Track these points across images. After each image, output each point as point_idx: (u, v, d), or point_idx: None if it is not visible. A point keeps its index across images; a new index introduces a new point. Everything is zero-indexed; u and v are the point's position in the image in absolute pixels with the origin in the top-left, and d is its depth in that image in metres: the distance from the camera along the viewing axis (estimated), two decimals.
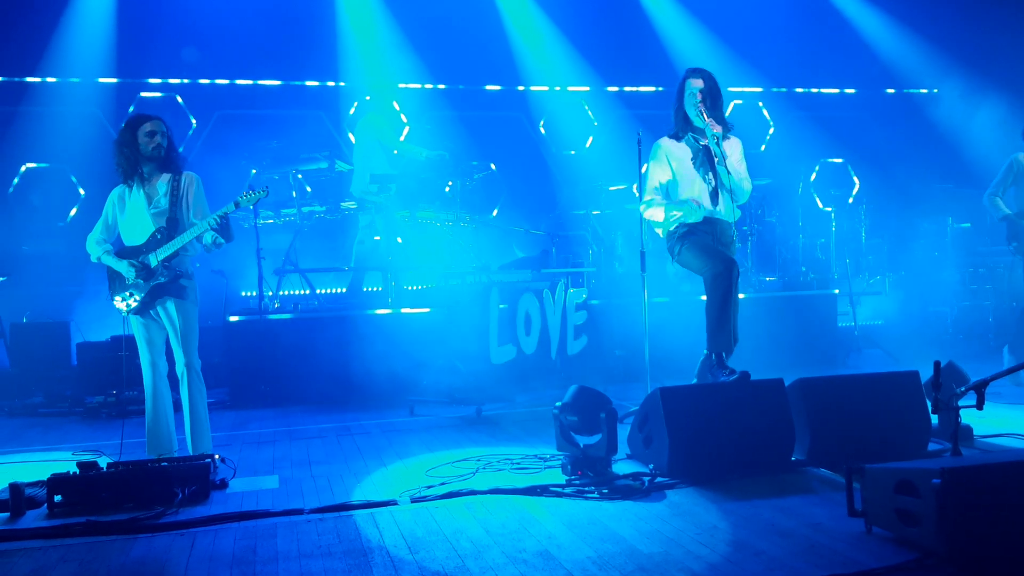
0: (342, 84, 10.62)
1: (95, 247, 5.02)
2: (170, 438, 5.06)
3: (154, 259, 4.87)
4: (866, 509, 3.40)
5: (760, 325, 8.01)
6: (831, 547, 3.25)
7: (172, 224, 4.89)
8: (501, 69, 11.00)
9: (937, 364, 4.20)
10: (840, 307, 9.08)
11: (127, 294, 4.90)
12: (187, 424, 4.99)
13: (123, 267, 4.88)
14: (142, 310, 4.92)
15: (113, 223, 5.02)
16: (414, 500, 4.06)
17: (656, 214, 5.36)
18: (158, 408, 5.02)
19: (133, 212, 4.94)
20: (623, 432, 4.73)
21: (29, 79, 9.72)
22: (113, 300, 4.96)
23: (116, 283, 4.96)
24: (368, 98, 9.67)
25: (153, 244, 4.89)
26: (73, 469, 4.25)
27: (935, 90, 12.37)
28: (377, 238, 8.66)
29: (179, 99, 10.21)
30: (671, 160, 5.35)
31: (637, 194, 9.26)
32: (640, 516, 3.73)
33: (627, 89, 11.59)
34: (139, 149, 4.89)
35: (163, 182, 4.95)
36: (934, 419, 4.68)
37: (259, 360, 7.30)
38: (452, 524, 3.69)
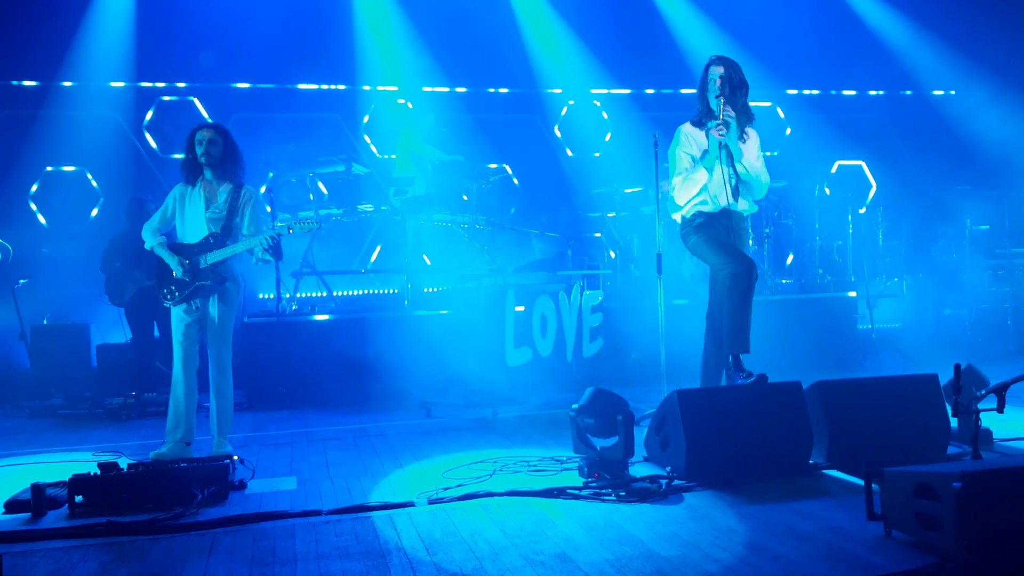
0: (359, 87, 10.67)
1: (151, 236, 5.29)
2: (190, 428, 5.18)
3: (203, 261, 5.15)
4: (885, 513, 3.38)
5: (777, 327, 7.99)
6: (850, 551, 3.24)
7: (226, 231, 5.20)
8: (517, 72, 11.02)
9: (957, 367, 4.18)
10: (857, 309, 9.04)
11: (172, 287, 5.18)
12: (213, 417, 5.19)
13: (173, 262, 5.17)
14: (183, 302, 5.19)
15: (171, 216, 5.30)
16: (431, 501, 4.07)
17: (690, 183, 5.33)
18: (179, 397, 5.17)
19: (191, 211, 5.24)
20: (639, 435, 4.73)
21: (50, 83, 9.82)
22: (160, 291, 5.23)
23: (164, 275, 5.23)
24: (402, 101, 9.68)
25: (205, 247, 5.18)
26: (94, 470, 4.29)
27: (952, 92, 12.30)
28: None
29: (197, 102, 10.28)
30: (693, 145, 5.38)
31: (665, 186, 9.35)
32: (657, 519, 3.73)
33: (643, 91, 11.59)
34: (195, 156, 5.23)
35: (224, 191, 5.26)
36: (953, 422, 4.66)
37: (277, 362, 7.33)
38: (469, 526, 3.70)
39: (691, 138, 5.40)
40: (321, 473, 4.81)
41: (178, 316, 5.22)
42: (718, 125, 5.24)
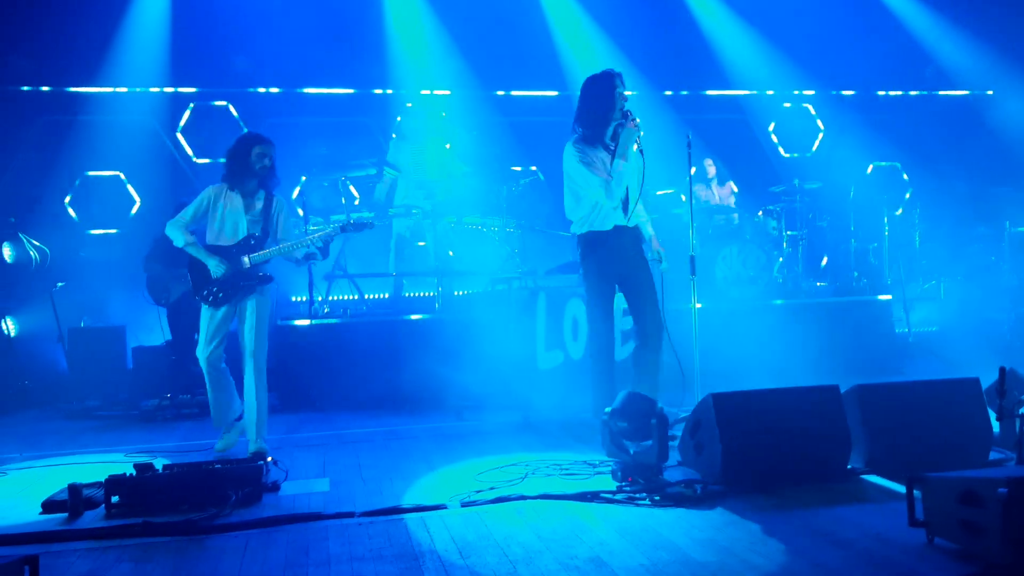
0: (390, 91, 10.72)
1: (182, 234, 5.31)
2: (231, 407, 5.49)
3: (246, 262, 5.26)
4: (927, 519, 3.31)
5: (812, 331, 7.91)
6: (891, 558, 3.17)
7: (264, 234, 5.36)
8: (547, 74, 10.99)
9: (1003, 370, 4.08)
10: (893, 313, 8.89)
11: (214, 288, 5.25)
12: (252, 418, 5.24)
13: (213, 262, 5.23)
14: (223, 303, 5.27)
15: (203, 215, 5.34)
16: (464, 504, 4.05)
17: (619, 177, 5.32)
18: (223, 386, 5.42)
19: (230, 213, 5.32)
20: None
21: (87, 89, 9.98)
22: (199, 292, 5.29)
23: (202, 276, 5.28)
24: (409, 104, 9.74)
25: (246, 247, 5.29)
26: (130, 471, 4.32)
27: (990, 91, 12.09)
28: (422, 243, 8.74)
29: (231, 108, 10.38)
30: (594, 158, 5.35)
31: (705, 192, 9.24)
32: (693, 524, 3.68)
33: (675, 93, 11.52)
34: (250, 165, 5.34)
35: (260, 198, 5.41)
36: (995, 427, 4.56)
37: (309, 364, 7.35)
38: (502, 529, 3.68)
39: (587, 151, 5.33)
40: (353, 475, 4.81)
41: (214, 316, 5.30)
42: (633, 119, 5.19)
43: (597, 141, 5.37)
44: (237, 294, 5.28)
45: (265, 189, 5.42)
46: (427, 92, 10.72)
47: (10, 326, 8.41)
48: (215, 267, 5.22)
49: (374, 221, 5.78)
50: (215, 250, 5.28)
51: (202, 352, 5.33)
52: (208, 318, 5.30)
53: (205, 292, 5.27)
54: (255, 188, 5.39)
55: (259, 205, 5.39)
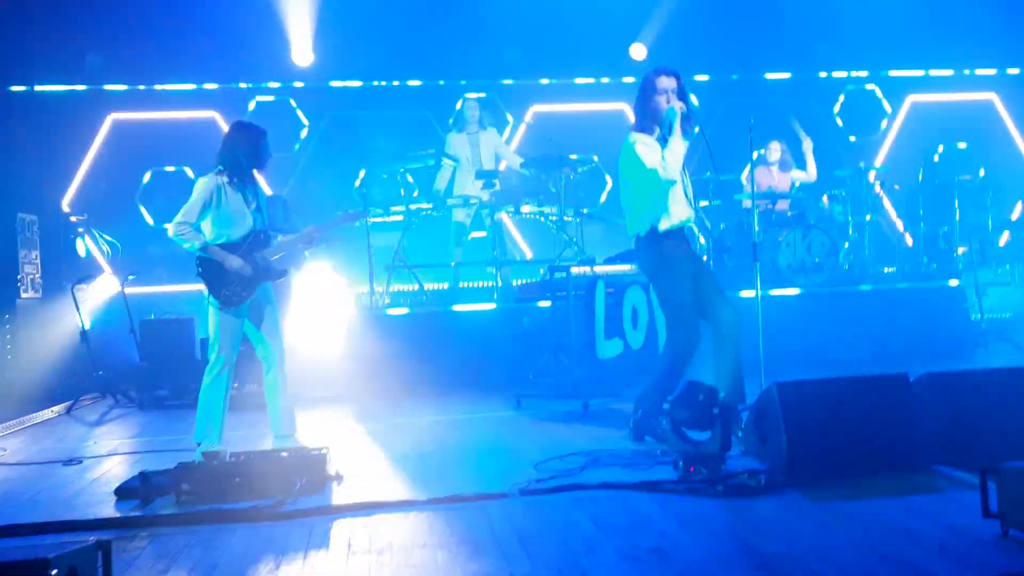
0: (448, 82, 10.76)
1: (196, 236, 4.89)
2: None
3: (264, 257, 5.03)
4: (1002, 510, 3.20)
5: (880, 319, 7.73)
6: (964, 549, 3.08)
7: (266, 227, 5.14)
8: (605, 61, 10.89)
9: None
10: (965, 299, 8.63)
11: (237, 287, 4.93)
12: (285, 406, 5.18)
13: (235, 262, 4.89)
14: (244, 302, 4.99)
15: (206, 211, 4.91)
16: (524, 493, 4.05)
17: (673, 156, 5.19)
18: (225, 399, 5.16)
19: (237, 205, 4.97)
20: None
21: (155, 86, 10.28)
22: (222, 293, 4.92)
23: (222, 276, 4.91)
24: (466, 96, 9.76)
25: (258, 243, 5.03)
26: (198, 459, 4.42)
27: None
28: (480, 234, 8.77)
29: (292, 102, 10.54)
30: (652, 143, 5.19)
31: (746, 183, 9.05)
32: (757, 515, 3.62)
33: (734, 77, 11.32)
34: (258, 158, 5.06)
35: (254, 189, 5.12)
36: None
37: (370, 354, 7.44)
38: (562, 518, 3.67)
39: (644, 140, 5.09)
40: (415, 463, 4.85)
41: (237, 318, 5.00)
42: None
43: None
44: (255, 292, 5.01)
45: (253, 180, 5.13)
46: (485, 82, 10.72)
47: (85, 318, 8.67)
48: (239, 266, 4.89)
49: (364, 212, 5.87)
50: (229, 248, 4.93)
51: (229, 359, 5.04)
52: (232, 322, 4.97)
53: (226, 294, 4.91)
54: (252, 179, 5.10)
55: (255, 197, 5.08)
